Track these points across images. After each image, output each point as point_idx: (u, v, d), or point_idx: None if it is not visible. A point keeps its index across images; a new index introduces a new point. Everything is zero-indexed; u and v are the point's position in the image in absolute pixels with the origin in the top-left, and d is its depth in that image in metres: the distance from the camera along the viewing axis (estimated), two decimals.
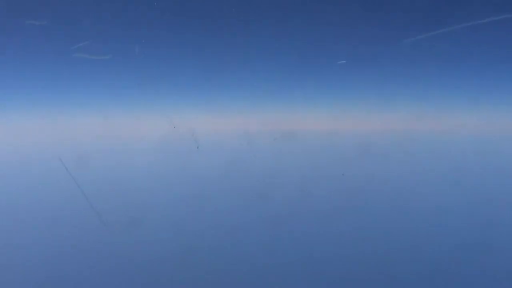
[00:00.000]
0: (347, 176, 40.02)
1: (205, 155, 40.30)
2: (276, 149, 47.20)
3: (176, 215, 32.40)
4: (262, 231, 29.14)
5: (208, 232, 29.06)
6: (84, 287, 23.11)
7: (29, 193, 36.52)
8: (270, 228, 29.14)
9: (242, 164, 41.74)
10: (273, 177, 39.81)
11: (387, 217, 32.35)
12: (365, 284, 23.36)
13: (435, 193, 37.65)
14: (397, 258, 25.65)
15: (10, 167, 43.44)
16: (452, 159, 50.30)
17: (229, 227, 29.84)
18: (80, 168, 31.83)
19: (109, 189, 34.93)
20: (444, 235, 28.65)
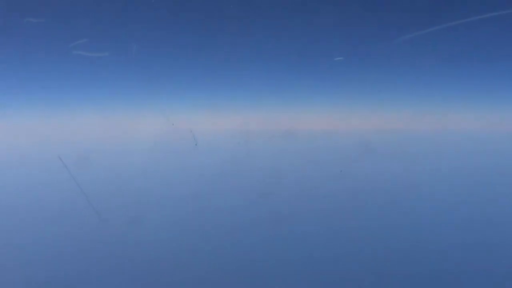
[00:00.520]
0: (346, 174, 40.06)
1: (203, 154, 40.34)
2: (274, 148, 47.29)
3: (175, 213, 32.38)
4: (260, 230, 29.12)
5: (207, 231, 29.09)
6: (84, 287, 23.15)
7: (27, 191, 36.48)
8: (268, 227, 29.14)
9: (240, 162, 41.77)
10: (271, 176, 39.83)
11: (386, 216, 32.38)
12: (366, 284, 23.40)
13: (435, 192, 37.71)
14: (397, 257, 25.70)
15: (7, 166, 43.34)
16: (451, 157, 50.40)
17: (228, 226, 29.87)
18: (79, 165, 31.78)
19: (108, 187, 34.91)
20: (444, 235, 28.67)
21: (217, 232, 28.96)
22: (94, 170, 38.92)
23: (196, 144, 27.51)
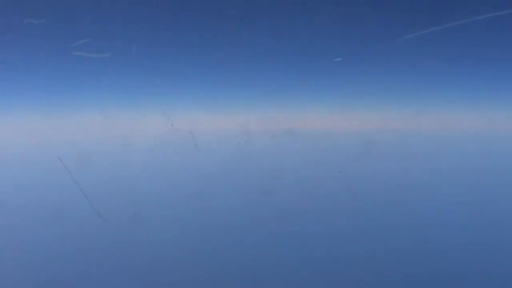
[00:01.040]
0: (346, 174, 40.11)
1: (204, 153, 40.37)
2: (275, 148, 47.30)
3: (175, 213, 32.44)
4: (261, 230, 29.20)
5: (207, 231, 29.15)
6: (83, 287, 23.21)
7: (28, 192, 36.58)
8: (269, 226, 29.22)
9: (241, 162, 41.81)
10: (271, 175, 39.86)
11: (387, 216, 32.43)
12: (366, 284, 23.44)
13: (435, 192, 37.71)
14: (397, 257, 25.78)
15: (7, 166, 43.46)
16: (452, 157, 50.41)
17: (228, 226, 29.91)
18: (79, 166, 31.86)
19: (109, 187, 34.99)
20: (444, 235, 28.71)
21: (217, 232, 29.02)
22: (95, 170, 39.01)
23: (196, 145, 27.66)
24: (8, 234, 27.99)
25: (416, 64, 56.62)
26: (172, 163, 45.36)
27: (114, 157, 46.85)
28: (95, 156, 41.62)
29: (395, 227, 30.12)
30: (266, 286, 23.30)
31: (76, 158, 32.91)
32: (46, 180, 37.92)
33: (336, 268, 24.79)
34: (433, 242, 27.56)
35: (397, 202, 35.25)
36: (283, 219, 30.39)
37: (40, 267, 24.31)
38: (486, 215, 31.60)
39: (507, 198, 34.56)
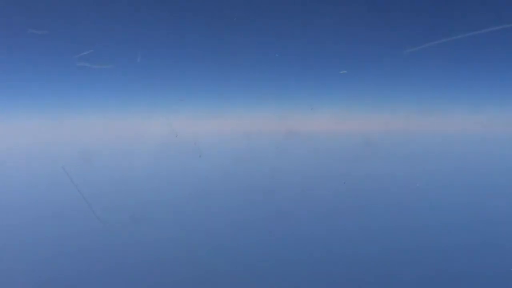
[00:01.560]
0: (348, 175, 40.10)
1: (207, 156, 40.41)
2: (278, 150, 47.23)
3: (177, 215, 32.35)
4: (262, 231, 29.11)
5: (210, 233, 29.04)
6: (84, 287, 23.27)
7: (30, 196, 36.52)
8: (271, 228, 29.15)
9: (244, 165, 41.84)
10: (274, 177, 39.90)
11: (388, 217, 32.43)
12: (367, 284, 23.53)
13: (437, 193, 37.67)
14: (398, 257, 25.73)
15: (13, 174, 43.65)
16: (454, 158, 50.34)
17: (231, 228, 29.77)
18: (84, 176, 32.12)
19: (113, 193, 34.97)
20: (444, 235, 28.65)
21: (220, 234, 28.93)
22: (99, 176, 39.23)
23: (200, 156, 27.67)
24: (8, 234, 28.01)
25: (417, 63, 56.90)
26: (175, 166, 45.44)
27: (118, 162, 46.97)
28: (99, 166, 41.85)
29: (396, 228, 30.00)
30: (267, 287, 23.43)
31: (81, 169, 33.16)
32: (49, 189, 37.58)
33: (337, 269, 24.72)
34: (433, 242, 27.43)
35: (398, 203, 35.16)
36: (286, 221, 30.35)
37: (41, 268, 24.25)
38: (486, 216, 31.56)
39: (507, 199, 34.53)
